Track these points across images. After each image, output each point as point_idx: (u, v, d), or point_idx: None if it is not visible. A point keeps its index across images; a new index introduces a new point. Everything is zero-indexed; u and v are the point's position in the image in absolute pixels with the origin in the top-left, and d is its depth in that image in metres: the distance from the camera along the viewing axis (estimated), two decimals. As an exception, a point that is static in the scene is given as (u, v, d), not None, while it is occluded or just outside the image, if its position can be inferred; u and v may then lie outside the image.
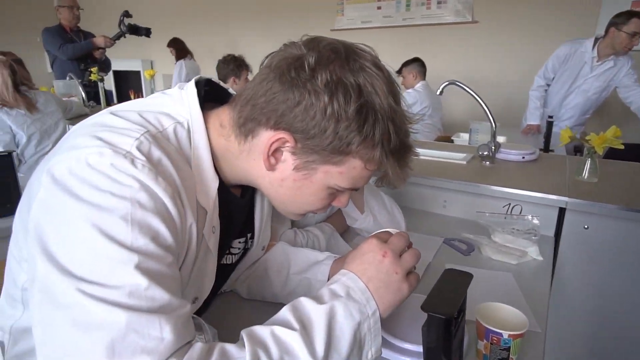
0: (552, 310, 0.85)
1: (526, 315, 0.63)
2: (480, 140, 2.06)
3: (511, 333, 0.60)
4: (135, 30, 3.25)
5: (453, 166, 1.48)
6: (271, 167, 0.56)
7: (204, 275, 0.60)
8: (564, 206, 1.14)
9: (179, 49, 4.36)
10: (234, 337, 0.48)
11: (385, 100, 0.51)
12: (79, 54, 3.35)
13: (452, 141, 2.50)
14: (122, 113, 0.52)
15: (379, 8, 4.26)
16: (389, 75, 0.54)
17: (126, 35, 3.28)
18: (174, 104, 0.56)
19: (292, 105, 0.50)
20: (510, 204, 1.21)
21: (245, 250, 0.76)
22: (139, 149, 0.47)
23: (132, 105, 0.55)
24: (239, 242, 0.73)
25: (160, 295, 0.43)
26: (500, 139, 2.32)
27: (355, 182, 0.57)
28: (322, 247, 0.95)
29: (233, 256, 0.73)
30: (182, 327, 0.44)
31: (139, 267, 0.42)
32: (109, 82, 5.23)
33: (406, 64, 3.14)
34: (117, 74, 5.62)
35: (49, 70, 5.73)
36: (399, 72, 3.17)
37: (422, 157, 1.59)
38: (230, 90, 0.65)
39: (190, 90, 0.57)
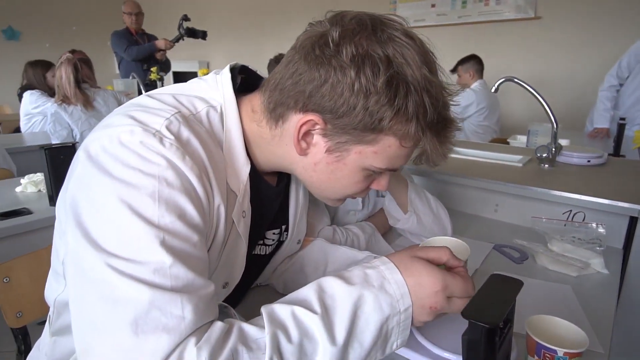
0: (617, 329, 0.75)
1: (586, 333, 0.56)
2: (540, 144, 1.92)
3: (568, 351, 0.53)
4: (192, 33, 3.41)
5: (507, 168, 1.38)
6: (303, 152, 0.54)
7: (234, 260, 0.59)
8: (636, 215, 1.01)
9: None
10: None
11: (418, 70, 0.47)
12: (142, 55, 3.57)
13: (507, 144, 2.35)
14: (157, 95, 0.53)
15: (433, 6, 4.13)
16: (422, 44, 0.50)
17: (184, 38, 3.44)
18: (208, 88, 0.56)
19: (319, 85, 0.48)
20: (571, 210, 1.11)
21: (280, 243, 0.75)
22: (168, 128, 0.47)
23: (169, 89, 0.56)
24: (273, 234, 0.72)
25: (184, 273, 0.43)
26: (563, 142, 2.14)
27: (392, 162, 0.54)
28: (361, 246, 0.92)
29: (267, 247, 0.72)
30: (204, 307, 0.43)
31: (164, 245, 0.42)
32: (169, 82, 5.54)
33: (462, 61, 2.99)
34: (176, 74, 5.94)
35: (117, 71, 6.22)
36: (454, 70, 3.03)
37: (472, 158, 1.51)
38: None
39: (224, 76, 0.57)
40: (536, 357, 0.55)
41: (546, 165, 1.37)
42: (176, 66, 5.18)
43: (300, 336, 0.44)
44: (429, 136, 0.52)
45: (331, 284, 0.48)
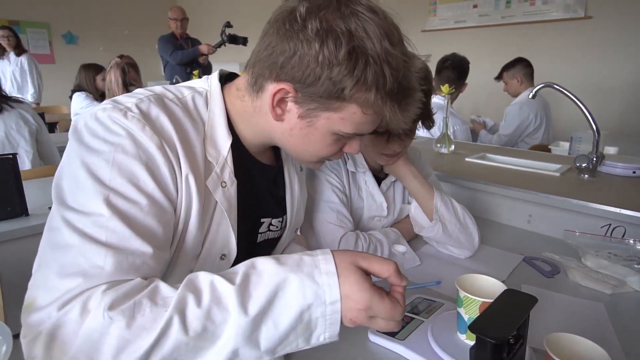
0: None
1: (615, 356, 0.54)
2: (583, 151, 1.82)
3: (586, 372, 0.52)
4: (234, 39, 3.52)
5: (544, 177, 1.33)
6: (278, 118, 0.59)
7: (226, 232, 0.64)
8: (682, 233, 0.95)
9: None
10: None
11: (379, 43, 0.51)
12: (186, 59, 3.74)
13: (549, 150, 2.24)
14: (151, 87, 0.61)
15: (475, 6, 4.01)
16: (385, 18, 0.54)
17: (226, 44, 3.57)
18: (198, 82, 0.65)
19: (289, 56, 0.53)
20: (610, 224, 1.05)
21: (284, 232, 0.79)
22: (137, 105, 0.55)
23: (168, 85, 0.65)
24: (279, 221, 0.76)
25: (121, 229, 0.48)
26: (611, 150, 2.03)
27: (359, 128, 0.59)
28: (384, 253, 0.93)
29: (271, 232, 0.76)
30: (129, 265, 0.47)
31: (107, 201, 0.48)
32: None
33: (507, 67, 2.67)
34: (217, 77, 6.14)
35: (162, 73, 6.52)
36: (499, 77, 2.73)
37: (508, 166, 1.47)
38: None
39: (213, 73, 0.67)
40: (554, 376, 0.54)
41: (586, 176, 1.30)
42: (217, 68, 5.35)
43: (211, 303, 0.45)
44: (389, 104, 0.55)
45: (264, 262, 0.49)
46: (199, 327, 0.44)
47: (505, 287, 0.66)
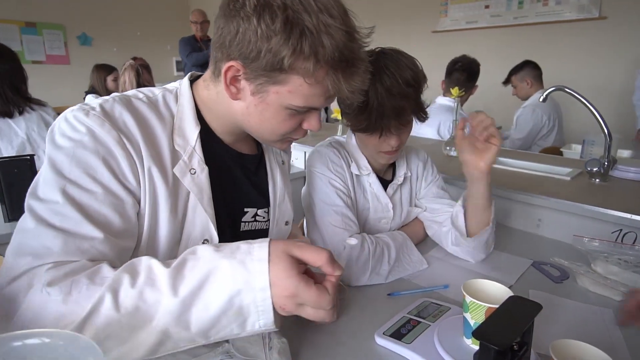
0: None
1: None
2: (596, 155, 1.80)
3: (592, 379, 0.52)
4: None
5: (554, 182, 1.32)
6: (234, 96, 0.63)
7: (203, 217, 0.67)
8: (695, 239, 0.94)
9: None
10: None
11: (315, 15, 0.54)
12: (201, 62, 3.78)
13: (561, 153, 2.22)
14: (126, 91, 0.67)
15: (486, 7, 3.98)
16: None
17: None
18: (173, 83, 0.71)
19: (234, 34, 0.57)
20: (621, 230, 1.04)
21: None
22: (101, 105, 0.60)
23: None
24: (265, 212, 0.79)
25: (73, 215, 0.53)
26: (625, 153, 2.00)
27: (308, 100, 0.61)
28: (391, 256, 0.93)
29: (258, 223, 0.79)
30: (75, 248, 0.52)
31: (63, 190, 0.54)
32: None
33: (515, 70, 2.64)
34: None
35: (174, 74, 6.59)
36: (507, 82, 2.71)
37: (518, 170, 1.46)
38: None
39: (185, 76, 0.72)
40: (560, 382, 0.54)
41: (597, 180, 1.29)
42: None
43: (145, 284, 0.48)
44: (330, 74, 0.57)
45: (203, 248, 0.52)
46: (130, 305, 0.47)
47: (511, 293, 0.67)
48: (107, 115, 0.59)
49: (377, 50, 0.91)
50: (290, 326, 0.73)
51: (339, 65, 0.57)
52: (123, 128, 0.60)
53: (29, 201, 0.55)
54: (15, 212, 1.24)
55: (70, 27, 5.58)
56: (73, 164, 0.56)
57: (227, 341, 0.58)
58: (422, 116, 0.94)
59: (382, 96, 0.85)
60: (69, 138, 0.57)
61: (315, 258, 0.51)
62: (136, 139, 0.60)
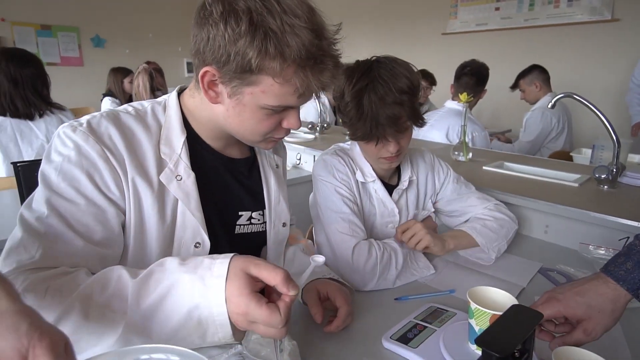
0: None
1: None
2: (606, 160, 1.79)
3: (593, 385, 0.53)
4: None
5: (562, 188, 1.33)
6: (214, 100, 0.66)
7: (192, 221, 0.70)
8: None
9: None
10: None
11: (279, 16, 0.57)
12: None
13: (570, 158, 2.21)
14: (128, 104, 0.73)
15: (497, 9, 3.97)
16: None
17: None
18: (164, 96, 0.76)
19: (206, 41, 0.60)
20: (629, 237, 1.05)
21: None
22: (88, 121, 0.65)
23: None
24: (259, 214, 0.82)
25: (57, 224, 0.58)
26: (635, 158, 1.99)
27: (282, 99, 0.63)
28: (399, 261, 0.95)
29: (254, 226, 0.81)
30: (55, 256, 0.57)
31: (49, 202, 0.59)
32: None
33: (522, 75, 2.67)
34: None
35: (185, 75, 6.67)
36: (515, 86, 2.71)
37: (526, 176, 1.47)
38: None
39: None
40: (561, 389, 0.56)
41: (605, 187, 1.29)
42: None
43: (112, 293, 0.52)
44: (299, 72, 0.60)
45: (171, 261, 0.55)
46: (97, 313, 0.51)
47: (515, 300, 0.68)
48: (92, 130, 0.64)
49: (372, 59, 0.93)
50: (300, 329, 0.76)
51: (306, 62, 0.59)
52: (107, 142, 0.64)
53: (21, 211, 0.60)
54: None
55: (84, 30, 5.68)
56: (60, 177, 0.61)
57: (239, 343, 0.61)
58: (419, 122, 0.95)
59: (376, 105, 0.87)
60: (59, 153, 0.62)
61: (271, 277, 0.52)
62: (120, 151, 0.64)
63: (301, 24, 0.58)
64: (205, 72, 0.62)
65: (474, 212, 1.12)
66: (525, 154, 2.45)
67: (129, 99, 3.26)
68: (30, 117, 1.82)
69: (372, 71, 0.89)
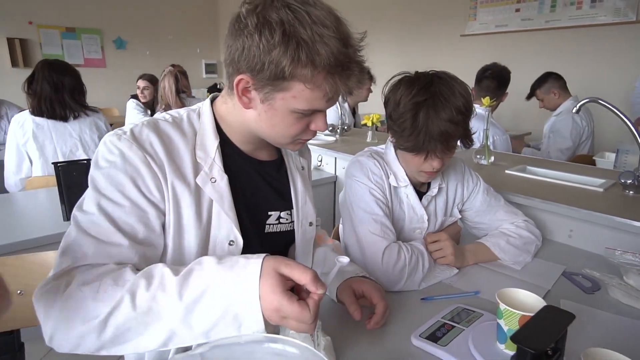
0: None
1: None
2: (630, 165, 1.78)
3: (622, 386, 0.55)
4: None
5: (586, 193, 1.33)
6: (247, 106, 0.70)
7: (226, 221, 0.74)
8: None
9: None
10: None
11: (309, 27, 0.60)
12: None
13: (593, 162, 2.19)
14: (165, 112, 0.78)
15: (517, 10, 3.93)
16: (315, 5, 0.63)
17: None
18: (199, 104, 0.81)
19: (241, 51, 0.64)
20: (655, 243, 1.05)
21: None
22: (132, 130, 0.70)
23: None
24: (287, 214, 0.86)
25: (104, 224, 0.63)
26: (661, 162, 1.96)
27: (312, 103, 0.66)
28: (425, 265, 0.97)
29: (282, 225, 0.85)
30: (107, 254, 0.62)
31: (98, 204, 0.64)
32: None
33: (538, 84, 2.64)
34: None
35: (204, 76, 6.78)
36: (532, 96, 2.68)
37: (550, 180, 1.47)
38: None
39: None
40: (591, 388, 0.58)
41: (631, 192, 1.29)
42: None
43: (157, 288, 0.57)
44: (328, 78, 0.63)
45: (208, 260, 0.60)
46: (145, 306, 0.56)
47: (543, 302, 0.71)
48: (135, 138, 0.68)
49: (430, 72, 0.96)
50: (334, 326, 0.80)
51: (335, 69, 0.63)
52: (149, 148, 0.68)
53: (74, 212, 0.66)
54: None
55: (107, 32, 5.83)
56: (107, 182, 0.66)
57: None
58: (469, 143, 0.98)
59: (433, 120, 0.89)
60: (105, 160, 0.67)
61: (301, 276, 0.55)
62: (160, 157, 0.69)
63: (330, 33, 0.61)
64: (240, 79, 0.66)
65: (501, 226, 1.14)
66: (564, 161, 2.42)
67: (147, 103, 3.37)
68: (65, 119, 1.98)
69: (432, 86, 0.91)
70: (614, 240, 1.11)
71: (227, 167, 0.75)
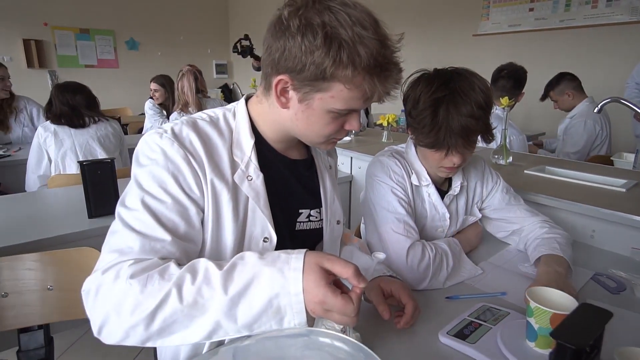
0: None
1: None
2: (650, 164, 1.76)
3: (658, 384, 0.56)
4: (242, 52, 3.52)
5: (608, 193, 1.32)
6: (284, 105, 0.71)
7: (261, 218, 0.76)
8: None
9: None
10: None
11: (350, 29, 0.62)
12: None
13: (611, 162, 2.17)
14: (202, 111, 0.80)
15: (531, 10, 3.90)
16: (355, 7, 0.64)
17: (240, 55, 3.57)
18: (233, 103, 0.82)
19: (282, 52, 0.65)
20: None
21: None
22: (172, 128, 0.71)
23: None
24: (317, 212, 0.87)
25: (148, 220, 0.65)
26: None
27: (349, 103, 0.68)
28: (449, 263, 0.98)
29: (312, 223, 0.87)
30: (150, 248, 0.63)
31: (142, 200, 0.66)
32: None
33: (551, 85, 2.60)
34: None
35: (214, 76, 6.83)
36: (546, 97, 2.65)
37: (570, 180, 1.46)
38: None
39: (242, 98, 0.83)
40: (625, 386, 0.58)
41: (654, 193, 1.28)
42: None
43: (202, 282, 0.58)
44: (367, 79, 0.64)
45: (250, 255, 0.61)
46: (191, 299, 0.57)
47: (574, 301, 0.71)
48: (176, 136, 0.70)
49: (449, 69, 0.96)
50: (363, 323, 0.80)
51: (374, 70, 0.64)
52: (189, 147, 0.70)
53: (118, 208, 0.67)
54: (98, 209, 1.38)
55: (120, 33, 5.90)
56: (150, 179, 0.67)
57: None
58: (489, 138, 0.98)
59: (453, 116, 0.90)
60: (147, 157, 0.69)
61: (343, 271, 0.57)
62: (200, 155, 0.70)
63: (369, 35, 0.63)
64: (280, 80, 0.67)
65: (522, 223, 1.13)
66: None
67: (161, 105, 3.41)
68: (83, 126, 2.16)
69: (452, 82, 0.91)
70: (638, 240, 1.10)
71: (262, 166, 0.77)
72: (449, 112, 0.90)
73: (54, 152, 2.06)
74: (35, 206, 1.59)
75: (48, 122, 2.12)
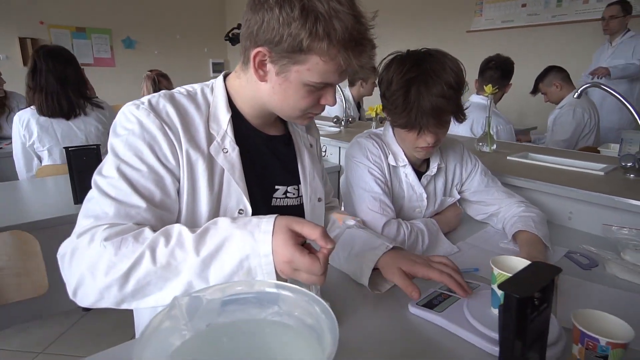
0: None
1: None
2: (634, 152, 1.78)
3: (610, 341, 0.57)
4: (234, 40, 3.56)
5: (587, 176, 1.34)
6: (262, 78, 0.73)
7: (236, 189, 0.77)
8: None
9: None
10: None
11: (326, 3, 0.64)
12: None
13: (598, 152, 2.19)
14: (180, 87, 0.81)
15: (523, 5, 3.93)
16: None
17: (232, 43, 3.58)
18: (210, 81, 0.83)
19: (260, 24, 0.67)
20: (654, 221, 1.06)
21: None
22: (149, 100, 0.73)
23: None
24: (294, 189, 0.88)
25: (123, 187, 0.66)
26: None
27: (325, 77, 0.70)
28: (425, 242, 0.99)
29: (289, 199, 0.88)
30: (125, 214, 0.65)
31: (118, 168, 0.68)
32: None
33: (540, 78, 2.65)
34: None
35: (211, 74, 6.84)
36: (535, 91, 2.69)
37: (552, 165, 1.48)
38: None
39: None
40: (580, 345, 0.59)
41: (632, 175, 1.30)
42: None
43: (175, 245, 0.60)
44: (342, 52, 0.66)
45: (223, 220, 0.63)
46: (164, 260, 0.59)
47: None
48: (152, 107, 0.72)
49: (422, 50, 0.98)
50: (334, 294, 0.82)
51: (348, 44, 0.66)
52: (165, 118, 0.72)
53: (95, 177, 0.69)
54: (84, 194, 1.38)
55: (116, 32, 5.91)
56: (126, 148, 0.69)
57: None
58: (461, 117, 1.00)
59: (424, 96, 0.91)
60: (124, 127, 0.71)
61: (311, 232, 0.58)
62: (176, 125, 0.72)
63: (345, 10, 0.65)
64: (257, 52, 0.69)
65: (500, 204, 1.15)
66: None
67: None
68: (68, 117, 1.94)
69: (423, 63, 0.93)
70: (613, 220, 1.12)
71: (238, 140, 0.79)
72: (420, 92, 0.92)
73: (43, 153, 1.95)
74: (21, 193, 1.60)
75: (27, 116, 1.86)
